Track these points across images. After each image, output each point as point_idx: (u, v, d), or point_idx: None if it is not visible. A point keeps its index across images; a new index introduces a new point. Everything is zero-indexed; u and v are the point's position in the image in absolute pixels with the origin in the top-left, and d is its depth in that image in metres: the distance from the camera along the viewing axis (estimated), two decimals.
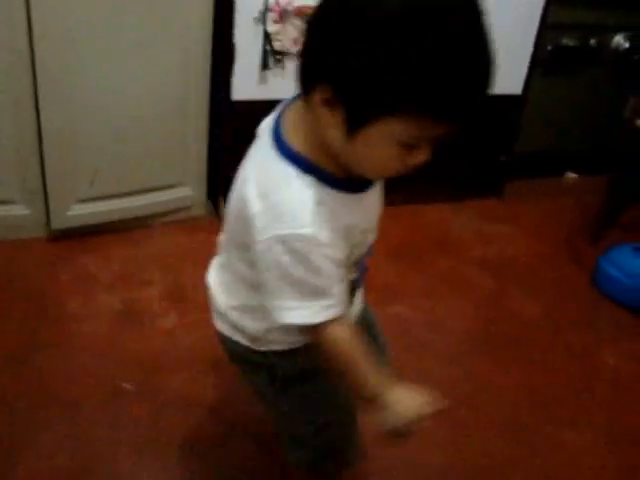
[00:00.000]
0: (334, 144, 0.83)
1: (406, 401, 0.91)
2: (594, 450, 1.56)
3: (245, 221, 0.87)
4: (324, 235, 0.84)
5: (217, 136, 2.10)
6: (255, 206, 0.86)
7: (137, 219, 2.11)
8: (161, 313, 1.80)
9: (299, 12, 1.90)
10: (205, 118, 2.06)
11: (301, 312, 0.88)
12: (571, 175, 2.77)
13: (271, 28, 1.90)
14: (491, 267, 2.07)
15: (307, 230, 0.83)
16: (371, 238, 1.00)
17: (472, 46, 0.74)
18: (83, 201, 1.99)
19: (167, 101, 1.96)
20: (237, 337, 1.06)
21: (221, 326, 1.10)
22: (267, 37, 1.90)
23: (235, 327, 1.06)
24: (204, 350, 1.69)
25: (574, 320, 1.96)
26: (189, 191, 2.18)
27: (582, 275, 2.13)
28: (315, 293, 0.87)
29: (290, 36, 1.92)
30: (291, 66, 1.97)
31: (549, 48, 2.41)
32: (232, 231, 0.99)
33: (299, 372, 1.05)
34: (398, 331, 1.81)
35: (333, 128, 0.81)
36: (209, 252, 2.08)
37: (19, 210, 1.96)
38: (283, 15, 1.89)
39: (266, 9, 1.87)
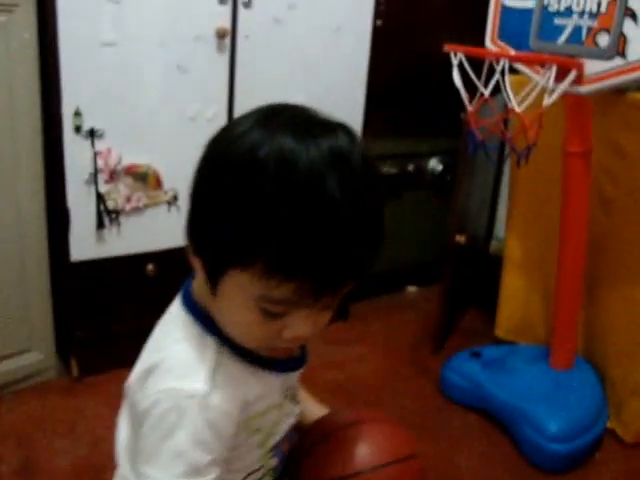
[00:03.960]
0: (209, 304, 0.78)
1: None
2: None
3: (139, 380, 0.80)
4: (216, 399, 0.75)
5: (61, 297, 2.05)
6: (149, 360, 0.79)
7: None
8: None
9: (129, 171, 1.96)
10: (46, 282, 2.05)
11: None
12: (411, 288, 2.90)
13: (103, 188, 1.94)
14: (342, 390, 2.13)
15: (198, 387, 0.75)
16: (292, 420, 0.91)
17: (303, 199, 0.68)
18: None
19: (3, 271, 1.91)
20: None
21: None
22: (100, 197, 1.93)
23: None
24: None
25: (426, 429, 2.00)
26: (38, 355, 2.11)
27: (429, 385, 2.21)
28: (190, 472, 0.74)
29: (123, 194, 1.97)
30: (126, 223, 1.98)
31: None
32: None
33: None
34: None
35: (203, 286, 0.77)
36: (63, 417, 2.01)
37: None
38: (114, 175, 1.94)
39: (96, 171, 1.90)
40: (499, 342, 2.39)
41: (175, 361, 0.77)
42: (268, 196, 0.67)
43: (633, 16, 1.48)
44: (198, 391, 0.75)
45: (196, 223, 0.75)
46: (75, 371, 2.13)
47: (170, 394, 0.75)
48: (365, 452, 0.89)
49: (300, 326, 0.74)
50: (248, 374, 0.80)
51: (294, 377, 0.90)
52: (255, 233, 0.68)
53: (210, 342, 0.78)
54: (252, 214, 0.67)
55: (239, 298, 0.73)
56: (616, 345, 2.02)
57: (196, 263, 0.77)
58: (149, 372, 0.78)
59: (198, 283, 0.81)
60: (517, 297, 2.36)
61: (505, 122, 1.94)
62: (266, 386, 0.83)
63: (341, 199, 0.68)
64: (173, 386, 0.75)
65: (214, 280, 0.74)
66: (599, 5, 1.55)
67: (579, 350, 2.12)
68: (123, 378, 2.29)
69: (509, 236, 2.36)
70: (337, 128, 0.73)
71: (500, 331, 2.41)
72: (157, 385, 0.76)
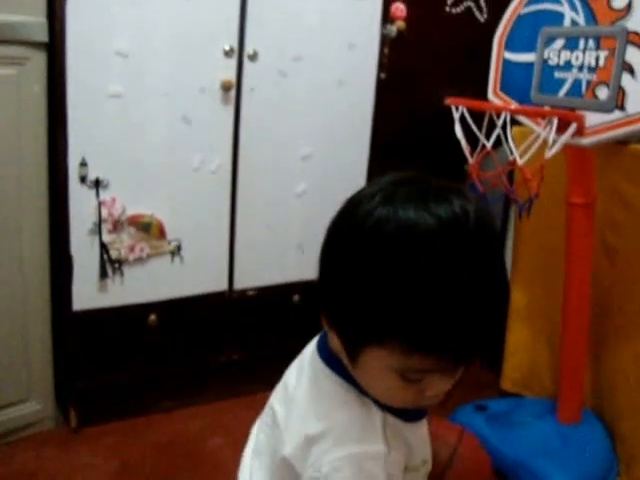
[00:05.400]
0: (349, 368, 0.83)
1: None
2: None
3: (302, 448, 0.83)
4: (393, 454, 0.83)
5: (62, 346, 2.07)
6: (311, 428, 0.83)
7: None
8: None
9: (133, 221, 1.98)
10: (48, 331, 2.07)
11: None
12: None
13: (107, 238, 1.97)
14: None
15: (379, 448, 0.81)
16: (427, 469, 0.97)
17: (443, 280, 0.71)
18: None
19: (4, 318, 1.94)
20: None
21: None
22: (103, 247, 1.95)
23: None
24: None
25: None
26: (36, 405, 2.12)
27: None
28: None
29: (126, 244, 1.99)
30: (129, 273, 2.01)
31: None
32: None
33: None
34: None
35: (342, 353, 0.82)
36: (57, 468, 2.00)
37: None
38: (117, 225, 1.96)
39: (100, 220, 1.92)
40: (505, 395, 2.37)
41: (347, 427, 0.82)
42: (397, 274, 0.71)
43: (631, 70, 1.52)
44: (380, 452, 0.80)
45: (330, 298, 0.79)
46: (73, 422, 2.13)
47: (351, 459, 0.79)
48: (441, 443, 1.11)
49: (440, 385, 0.79)
50: (401, 427, 0.86)
51: (426, 434, 0.97)
52: (388, 314, 0.72)
53: (369, 402, 0.83)
54: (384, 294, 0.71)
55: (378, 368, 0.77)
56: (626, 398, 2.00)
57: (331, 333, 0.82)
58: (314, 440, 0.82)
59: (336, 347, 0.84)
60: (523, 349, 2.36)
61: (511, 174, 1.97)
62: (414, 435, 0.89)
63: (462, 263, 0.72)
64: (354, 452, 0.80)
65: (353, 354, 0.79)
66: (597, 59, 1.60)
67: (588, 404, 2.11)
68: (121, 430, 2.29)
69: (514, 287, 2.36)
70: (450, 194, 0.76)
71: (506, 383, 2.40)
72: (333, 453, 0.80)
